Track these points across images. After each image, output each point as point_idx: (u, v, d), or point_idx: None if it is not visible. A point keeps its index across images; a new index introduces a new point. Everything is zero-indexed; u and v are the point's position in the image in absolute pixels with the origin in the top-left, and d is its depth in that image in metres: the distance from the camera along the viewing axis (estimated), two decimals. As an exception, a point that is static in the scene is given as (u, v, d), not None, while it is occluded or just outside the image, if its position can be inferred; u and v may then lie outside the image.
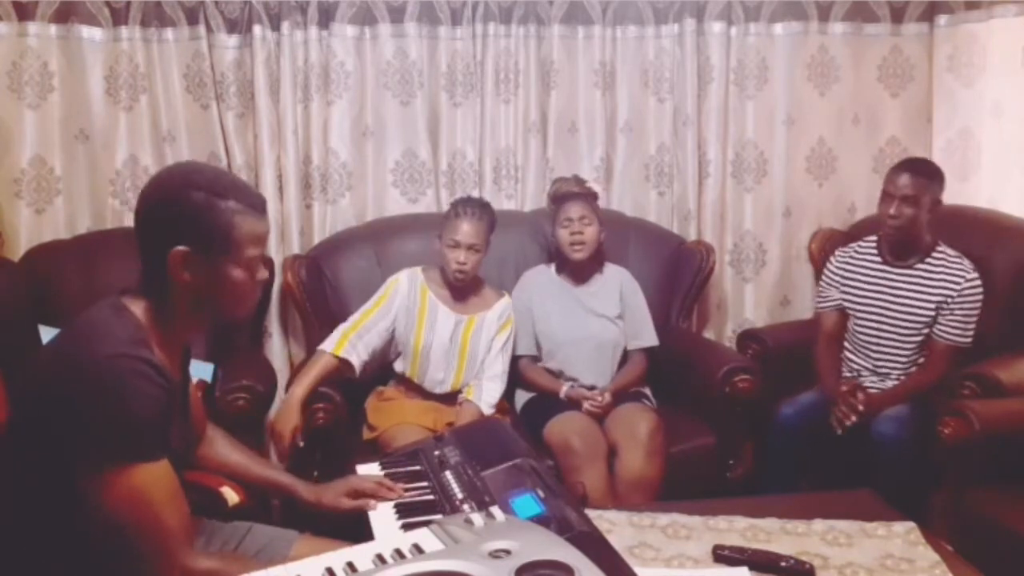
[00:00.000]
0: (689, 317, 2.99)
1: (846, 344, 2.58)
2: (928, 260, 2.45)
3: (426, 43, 2.96)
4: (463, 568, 0.97)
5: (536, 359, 2.62)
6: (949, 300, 2.39)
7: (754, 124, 3.11)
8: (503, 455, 1.62)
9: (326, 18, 2.88)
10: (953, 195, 3.06)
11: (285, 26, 2.83)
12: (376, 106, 2.97)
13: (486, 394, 2.44)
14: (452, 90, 2.99)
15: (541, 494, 1.44)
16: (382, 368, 2.55)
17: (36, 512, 1.26)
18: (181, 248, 1.26)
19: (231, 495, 1.70)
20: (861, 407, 2.34)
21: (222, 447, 1.68)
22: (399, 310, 2.46)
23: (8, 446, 1.29)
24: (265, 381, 2.45)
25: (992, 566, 1.58)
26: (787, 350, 2.70)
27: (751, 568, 1.51)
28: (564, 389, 2.50)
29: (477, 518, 1.11)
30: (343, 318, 2.52)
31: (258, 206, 1.34)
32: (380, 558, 1.10)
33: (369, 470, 1.81)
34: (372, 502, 1.62)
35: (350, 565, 1.08)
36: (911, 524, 1.68)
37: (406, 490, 1.65)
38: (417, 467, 1.75)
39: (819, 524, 1.68)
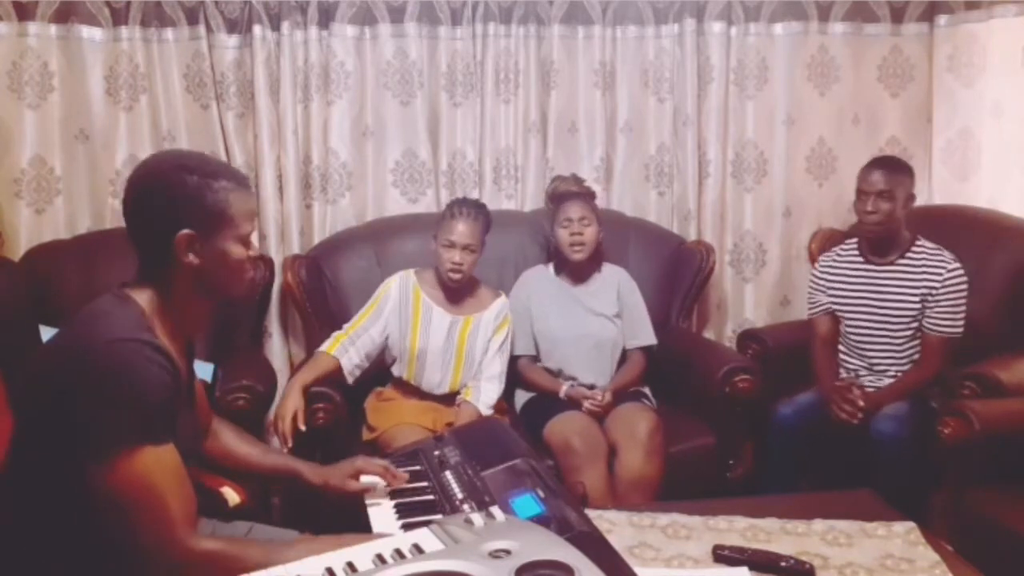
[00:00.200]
0: (689, 317, 2.99)
1: (840, 346, 2.60)
2: (908, 255, 2.48)
3: (426, 43, 2.96)
4: (463, 568, 0.97)
5: (535, 359, 2.62)
6: (933, 292, 2.41)
7: (754, 124, 3.11)
8: (503, 455, 1.62)
9: (326, 18, 2.88)
10: (953, 195, 3.08)
11: (285, 26, 2.83)
12: (376, 106, 2.97)
13: (484, 395, 2.44)
14: (452, 90, 2.99)
15: (541, 494, 1.44)
16: (379, 371, 2.55)
17: (39, 497, 1.27)
18: (186, 231, 1.29)
19: (232, 495, 1.70)
20: (862, 402, 2.35)
21: (228, 438, 1.68)
22: (390, 315, 2.46)
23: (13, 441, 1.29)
24: (265, 381, 2.45)
25: (992, 566, 1.58)
26: (787, 350, 2.70)
27: (751, 568, 1.51)
28: (564, 388, 2.50)
29: (477, 518, 1.11)
30: (343, 318, 2.53)
31: (246, 183, 1.40)
32: (380, 558, 1.10)
33: (369, 470, 1.81)
34: (379, 484, 1.62)
35: (350, 565, 1.08)
36: (911, 524, 1.68)
37: (406, 490, 1.65)
38: (417, 467, 1.75)
39: (819, 524, 1.68)
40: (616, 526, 1.68)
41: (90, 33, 2.79)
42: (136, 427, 1.20)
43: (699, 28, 3.03)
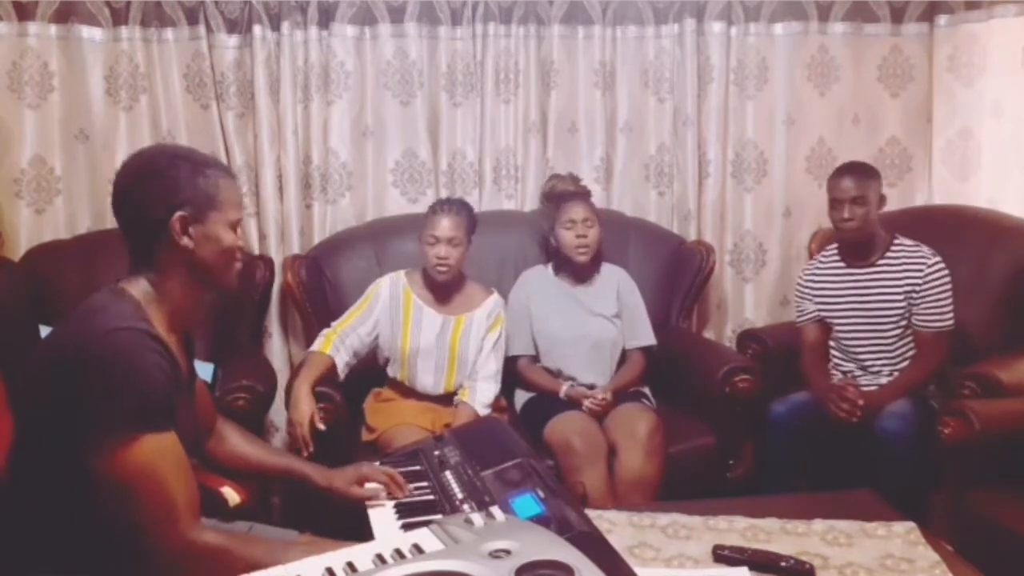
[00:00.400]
0: (689, 317, 2.99)
1: (833, 351, 2.61)
2: (888, 255, 2.50)
3: (426, 43, 2.96)
4: (463, 568, 0.97)
5: (535, 359, 2.62)
6: (917, 288, 2.43)
7: (754, 124, 3.11)
8: (503, 455, 1.62)
9: (326, 18, 2.88)
10: (953, 195, 3.08)
11: (285, 26, 2.83)
12: (376, 106, 2.97)
13: (480, 395, 2.44)
14: (452, 90, 2.99)
15: (541, 494, 1.44)
16: (377, 372, 2.55)
17: (42, 494, 1.27)
18: (181, 213, 1.32)
19: (232, 495, 1.71)
20: (861, 401, 2.35)
21: (234, 440, 1.68)
22: (381, 315, 2.46)
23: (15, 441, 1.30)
24: (265, 381, 2.45)
25: (992, 566, 1.58)
26: (787, 350, 2.70)
27: (751, 568, 1.50)
28: (564, 388, 2.50)
29: (477, 518, 1.11)
30: (343, 318, 2.52)
31: (233, 174, 1.46)
32: (380, 558, 1.10)
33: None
34: (381, 492, 1.63)
35: (350, 565, 1.08)
36: (911, 524, 1.68)
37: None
38: (417, 467, 1.75)
39: (819, 524, 1.68)
40: (616, 526, 1.68)
41: (90, 33, 2.79)
42: (136, 415, 1.20)
43: (699, 28, 3.03)
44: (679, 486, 2.30)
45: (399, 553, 1.10)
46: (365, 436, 2.43)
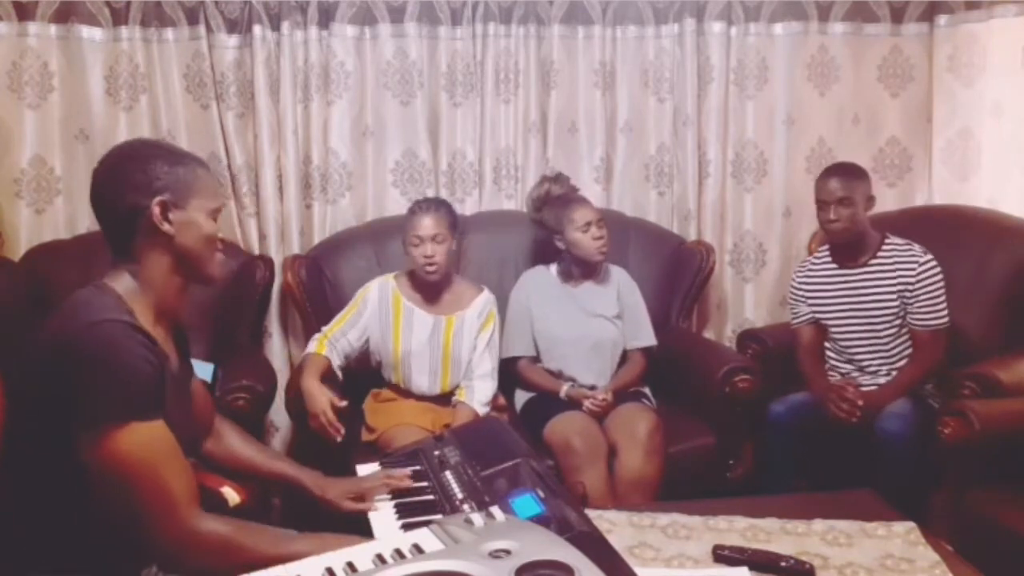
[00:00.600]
0: (689, 317, 2.99)
1: (829, 352, 2.61)
2: (880, 255, 2.50)
3: (426, 43, 2.96)
4: (463, 568, 0.97)
5: (535, 359, 2.62)
6: (910, 287, 2.43)
7: (754, 124, 3.11)
8: (503, 455, 1.62)
9: (326, 18, 2.88)
10: (953, 195, 3.08)
11: (285, 26, 2.83)
12: (376, 106, 2.97)
13: (478, 393, 2.43)
14: (452, 90, 2.99)
15: (541, 494, 1.43)
16: (375, 373, 2.55)
17: (40, 487, 1.27)
18: (160, 198, 1.33)
19: (232, 495, 1.70)
20: (860, 401, 2.35)
21: (232, 441, 1.68)
22: (370, 320, 2.46)
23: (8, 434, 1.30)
24: (265, 381, 2.45)
25: (992, 566, 1.58)
26: (787, 350, 2.70)
27: (751, 568, 1.51)
28: (564, 389, 2.50)
29: (477, 518, 1.11)
30: (343, 318, 2.52)
31: (208, 166, 1.46)
32: (380, 558, 1.10)
33: (369, 470, 1.81)
34: (375, 505, 1.63)
35: (350, 565, 1.08)
36: (911, 524, 1.68)
37: (406, 490, 1.66)
38: (417, 467, 1.75)
39: (819, 524, 1.68)
40: (616, 526, 1.68)
41: (90, 33, 2.79)
42: (122, 403, 1.20)
43: (699, 28, 3.03)
44: (679, 486, 2.30)
45: (399, 553, 1.10)
46: (365, 436, 2.43)
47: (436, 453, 1.75)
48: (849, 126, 3.15)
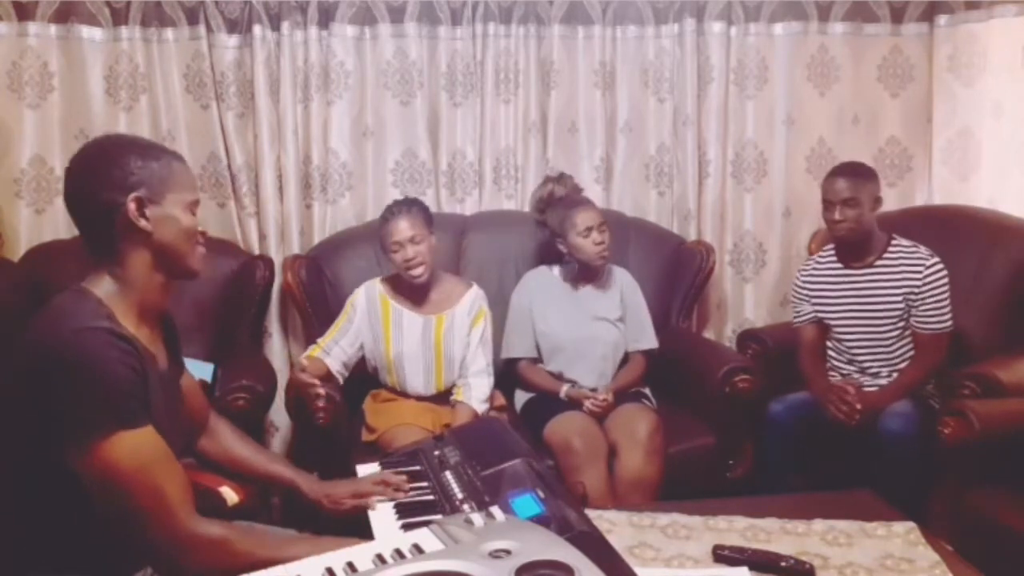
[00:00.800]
0: (689, 317, 2.99)
1: (831, 352, 2.60)
2: (886, 256, 2.48)
3: (426, 43, 2.96)
4: (463, 568, 0.97)
5: (536, 361, 2.62)
6: (916, 290, 2.42)
7: (754, 124, 3.11)
8: (503, 455, 1.62)
9: (326, 18, 2.88)
10: (953, 195, 3.08)
11: (285, 26, 2.83)
12: (376, 106, 2.97)
13: (475, 391, 2.43)
14: (452, 90, 2.99)
15: (541, 494, 1.43)
16: (373, 374, 2.56)
17: (35, 498, 1.27)
18: (135, 194, 1.30)
19: (230, 495, 1.70)
20: (860, 405, 2.35)
21: (227, 439, 1.67)
22: (361, 325, 2.45)
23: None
24: (265, 381, 2.45)
25: (992, 566, 1.58)
26: (787, 350, 2.70)
27: (751, 568, 1.51)
28: (564, 389, 2.50)
29: (477, 518, 1.10)
30: (343, 318, 2.52)
31: (183, 159, 1.42)
32: (380, 558, 1.09)
33: (369, 470, 1.81)
34: (374, 501, 1.62)
35: (350, 565, 1.08)
36: (911, 524, 1.68)
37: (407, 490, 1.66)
38: (417, 467, 1.75)
39: (819, 524, 1.68)
40: (616, 526, 1.68)
41: (90, 33, 2.79)
42: (106, 413, 1.19)
43: (699, 28, 3.03)
44: (679, 486, 2.30)
45: (399, 553, 1.10)
46: (365, 436, 2.43)
47: (436, 453, 1.75)
48: (849, 126, 3.15)
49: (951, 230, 2.73)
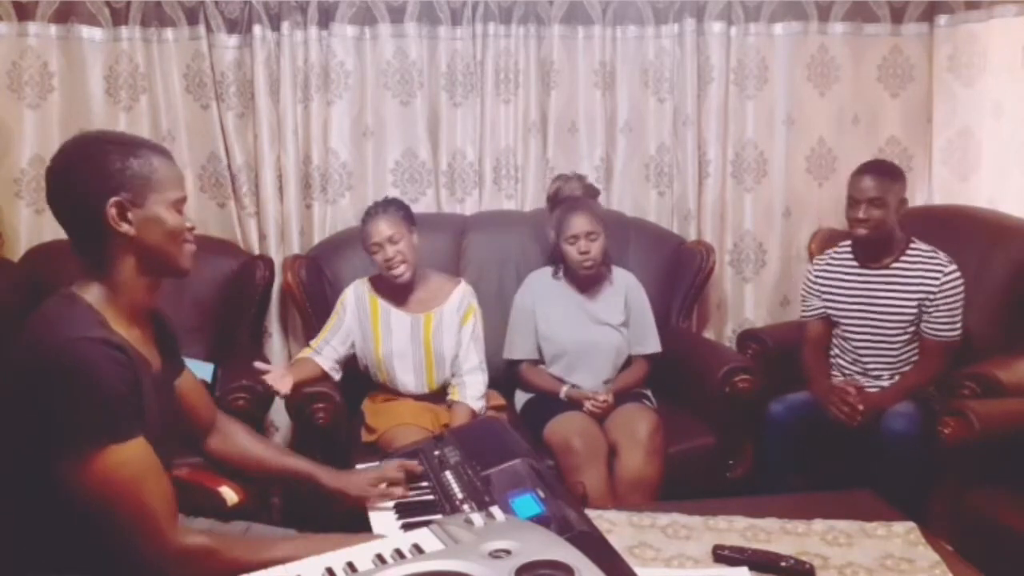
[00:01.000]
0: (689, 317, 2.99)
1: (835, 350, 2.59)
2: (903, 258, 2.46)
3: (426, 43, 2.96)
4: (463, 568, 0.97)
5: (538, 362, 2.61)
6: (931, 297, 2.39)
7: (754, 124, 3.11)
8: (503, 455, 1.62)
9: (326, 18, 2.88)
10: (953, 195, 3.08)
11: (285, 26, 2.83)
12: (376, 106, 2.97)
13: (470, 389, 2.42)
14: (452, 90, 2.99)
15: (541, 494, 1.43)
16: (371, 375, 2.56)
17: (19, 508, 1.26)
18: (115, 198, 1.26)
19: (230, 495, 1.70)
20: (861, 406, 2.35)
21: (240, 439, 1.65)
22: (351, 324, 2.46)
23: None
24: (265, 381, 2.44)
25: (992, 566, 1.58)
26: (787, 350, 2.70)
27: (751, 568, 1.51)
28: (564, 389, 2.49)
29: (477, 518, 1.11)
30: (343, 318, 2.52)
31: (167, 153, 1.37)
32: (380, 558, 1.10)
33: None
34: (397, 491, 1.64)
35: (350, 565, 1.08)
36: (911, 524, 1.68)
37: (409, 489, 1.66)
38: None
39: (819, 524, 1.68)
40: (616, 526, 1.68)
41: (90, 33, 2.79)
42: (97, 427, 1.18)
43: (699, 28, 3.02)
44: (679, 486, 2.29)
45: (399, 553, 1.10)
46: (365, 437, 2.43)
47: (436, 453, 1.75)
48: (849, 126, 3.15)
49: (951, 230, 2.72)
